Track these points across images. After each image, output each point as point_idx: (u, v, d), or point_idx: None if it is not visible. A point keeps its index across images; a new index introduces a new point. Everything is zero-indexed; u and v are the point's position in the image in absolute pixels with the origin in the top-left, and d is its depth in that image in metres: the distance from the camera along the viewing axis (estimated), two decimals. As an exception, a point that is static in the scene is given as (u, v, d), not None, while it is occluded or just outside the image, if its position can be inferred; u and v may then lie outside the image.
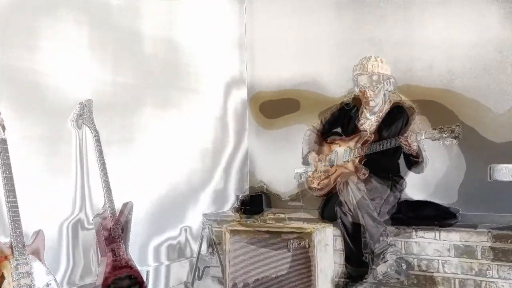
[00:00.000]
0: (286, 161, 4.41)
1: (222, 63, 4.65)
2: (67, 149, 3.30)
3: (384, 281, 3.32)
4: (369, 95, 3.59)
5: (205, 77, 4.45)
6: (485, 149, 3.82)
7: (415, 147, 3.32)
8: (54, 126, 3.24)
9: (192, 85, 4.32)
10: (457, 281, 3.36)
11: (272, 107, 4.72)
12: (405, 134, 3.35)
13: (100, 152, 3.27)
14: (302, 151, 3.89)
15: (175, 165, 4.12)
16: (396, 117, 3.59)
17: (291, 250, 3.36)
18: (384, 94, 3.64)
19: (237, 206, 4.29)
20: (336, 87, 4.33)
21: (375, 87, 3.57)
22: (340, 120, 3.82)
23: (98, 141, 3.29)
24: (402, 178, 3.67)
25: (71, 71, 3.33)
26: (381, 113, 3.66)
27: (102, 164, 3.27)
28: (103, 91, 3.54)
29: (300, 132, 4.04)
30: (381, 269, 3.23)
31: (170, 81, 4.11)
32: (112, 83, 3.60)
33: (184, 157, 4.21)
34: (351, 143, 3.66)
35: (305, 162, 3.85)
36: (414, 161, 3.46)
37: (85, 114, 3.30)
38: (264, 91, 4.79)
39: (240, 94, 4.87)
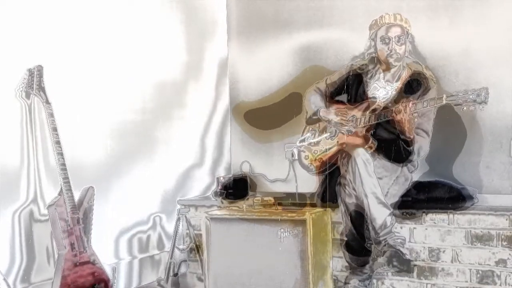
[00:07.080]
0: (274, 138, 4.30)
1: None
2: (13, 125, 3.17)
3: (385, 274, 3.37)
4: (393, 48, 3.45)
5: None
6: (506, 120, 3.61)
7: (407, 123, 3.22)
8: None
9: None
10: (473, 271, 3.25)
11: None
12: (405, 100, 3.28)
13: (54, 129, 3.14)
14: (307, 111, 3.73)
15: (145, 141, 3.98)
16: (416, 89, 3.47)
17: (282, 240, 3.33)
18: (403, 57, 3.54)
19: (218, 190, 4.07)
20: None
21: (400, 38, 3.45)
22: (349, 87, 3.66)
23: (51, 115, 3.16)
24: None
25: (16, 31, 3.17)
26: (399, 82, 3.53)
27: (57, 143, 3.13)
28: (57, 55, 3.37)
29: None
30: (380, 262, 3.28)
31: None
32: (68, 46, 3.43)
33: (152, 127, 4.03)
34: (357, 112, 3.53)
35: (312, 121, 3.73)
36: (403, 147, 3.34)
37: (34, 83, 3.17)
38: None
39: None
